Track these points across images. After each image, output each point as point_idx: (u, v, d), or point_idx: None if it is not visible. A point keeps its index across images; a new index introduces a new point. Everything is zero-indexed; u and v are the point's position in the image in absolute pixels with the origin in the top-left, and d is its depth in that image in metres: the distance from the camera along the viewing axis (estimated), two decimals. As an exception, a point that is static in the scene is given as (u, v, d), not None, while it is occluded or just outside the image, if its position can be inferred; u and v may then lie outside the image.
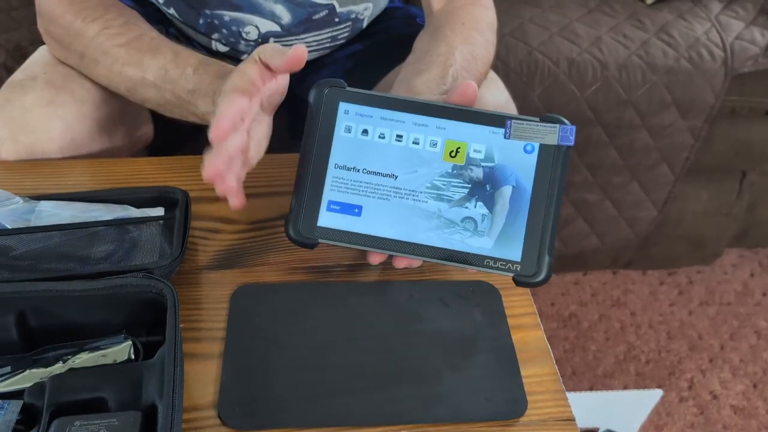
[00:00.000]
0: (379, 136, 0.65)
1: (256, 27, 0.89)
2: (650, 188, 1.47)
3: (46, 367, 0.56)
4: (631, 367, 1.47)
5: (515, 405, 0.59)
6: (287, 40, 0.92)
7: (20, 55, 0.96)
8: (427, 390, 0.60)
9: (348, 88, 0.65)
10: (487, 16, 0.86)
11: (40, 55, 0.88)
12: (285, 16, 0.89)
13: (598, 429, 1.23)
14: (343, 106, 0.65)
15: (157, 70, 0.76)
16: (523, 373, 0.62)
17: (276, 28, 0.89)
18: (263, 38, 0.90)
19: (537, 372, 0.62)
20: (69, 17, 0.80)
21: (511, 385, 0.61)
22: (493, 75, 0.90)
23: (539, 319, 0.68)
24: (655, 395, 1.21)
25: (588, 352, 1.49)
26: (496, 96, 0.89)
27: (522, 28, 1.36)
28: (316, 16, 0.90)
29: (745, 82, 1.39)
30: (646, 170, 1.44)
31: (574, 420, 0.59)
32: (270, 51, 0.62)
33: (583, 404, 1.25)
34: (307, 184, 0.64)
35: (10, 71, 0.97)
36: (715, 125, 1.41)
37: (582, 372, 1.45)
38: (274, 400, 0.58)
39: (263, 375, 0.59)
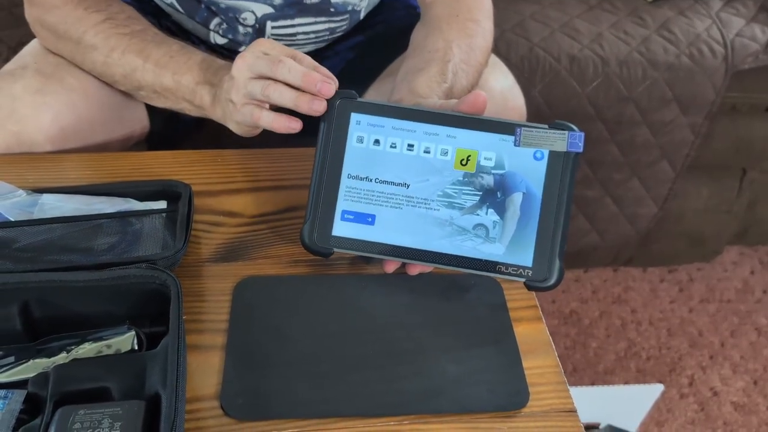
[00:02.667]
0: (391, 146, 0.65)
1: (253, 12, 0.89)
2: (651, 185, 1.48)
3: (50, 357, 0.56)
4: (631, 364, 1.47)
5: (517, 396, 0.59)
6: (283, 24, 0.91)
7: (22, 51, 0.96)
8: (429, 381, 0.60)
9: (359, 99, 0.66)
10: (482, 3, 0.86)
11: (31, 46, 0.89)
12: None
13: (599, 424, 1.23)
14: (354, 116, 0.66)
15: (160, 56, 0.78)
16: (525, 365, 0.62)
17: (270, 10, 0.89)
18: (260, 22, 0.90)
19: (539, 364, 0.63)
20: (69, 6, 0.81)
21: (513, 376, 0.61)
22: (494, 59, 0.90)
23: (541, 312, 0.68)
24: (656, 390, 1.21)
25: (589, 349, 1.49)
26: (501, 81, 0.89)
27: (523, 24, 1.36)
28: (308, 0, 0.89)
29: (746, 79, 1.39)
30: (647, 167, 1.44)
31: (575, 411, 0.60)
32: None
33: (584, 399, 1.25)
34: (321, 194, 0.65)
35: (12, 67, 0.97)
36: (715, 122, 1.41)
37: (583, 369, 1.45)
38: (277, 391, 0.58)
39: (266, 366, 0.60)
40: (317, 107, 0.65)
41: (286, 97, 0.65)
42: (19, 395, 0.53)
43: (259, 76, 0.66)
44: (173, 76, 0.77)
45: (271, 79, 0.65)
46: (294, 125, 0.67)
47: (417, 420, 0.57)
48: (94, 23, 0.80)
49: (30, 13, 0.85)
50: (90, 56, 0.81)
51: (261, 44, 0.68)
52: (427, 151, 0.65)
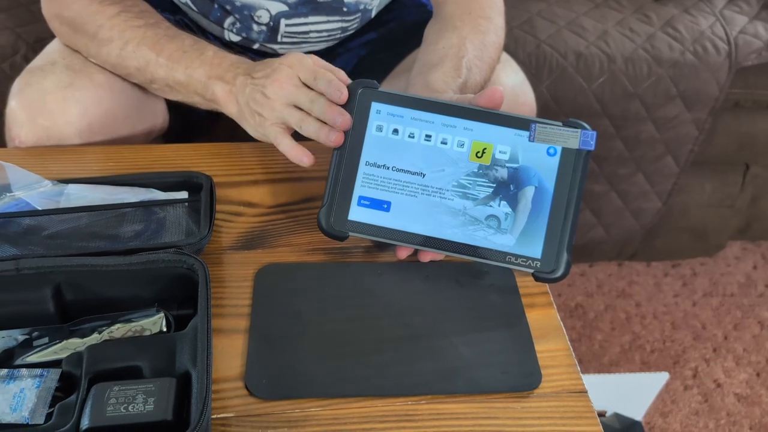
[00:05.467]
0: (409, 136, 0.68)
1: (268, 10, 0.91)
2: (655, 180, 1.49)
3: (83, 337, 0.58)
4: (636, 356, 1.49)
5: (530, 378, 0.62)
6: (297, 22, 0.93)
7: (40, 47, 0.97)
8: (445, 363, 0.62)
9: (380, 89, 0.68)
10: (494, 1, 0.88)
11: (57, 43, 0.91)
12: None
13: (606, 412, 1.25)
14: (375, 106, 0.68)
15: (173, 51, 0.80)
16: (537, 348, 0.64)
17: (284, 8, 0.91)
18: (275, 20, 0.92)
19: (550, 347, 0.65)
20: (85, 1, 0.82)
21: (525, 359, 0.63)
22: (505, 56, 0.92)
23: (552, 298, 0.70)
24: (661, 378, 1.23)
25: (594, 342, 1.51)
26: (512, 77, 0.92)
27: (530, 21, 1.38)
28: None
29: (749, 76, 1.41)
30: (651, 162, 1.46)
31: (586, 392, 0.62)
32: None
33: (591, 387, 1.26)
34: (340, 179, 0.67)
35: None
36: (719, 118, 1.43)
37: (588, 361, 1.47)
38: (299, 372, 0.60)
39: (288, 349, 0.62)
40: (335, 140, 0.68)
41: (311, 130, 0.69)
42: (55, 374, 0.55)
43: (295, 106, 0.70)
44: (185, 71, 0.79)
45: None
46: (306, 161, 0.71)
47: (434, 400, 0.60)
48: (110, 16, 0.82)
49: (47, 9, 0.87)
50: (105, 49, 0.82)
51: (293, 66, 0.71)
52: (444, 142, 0.67)
